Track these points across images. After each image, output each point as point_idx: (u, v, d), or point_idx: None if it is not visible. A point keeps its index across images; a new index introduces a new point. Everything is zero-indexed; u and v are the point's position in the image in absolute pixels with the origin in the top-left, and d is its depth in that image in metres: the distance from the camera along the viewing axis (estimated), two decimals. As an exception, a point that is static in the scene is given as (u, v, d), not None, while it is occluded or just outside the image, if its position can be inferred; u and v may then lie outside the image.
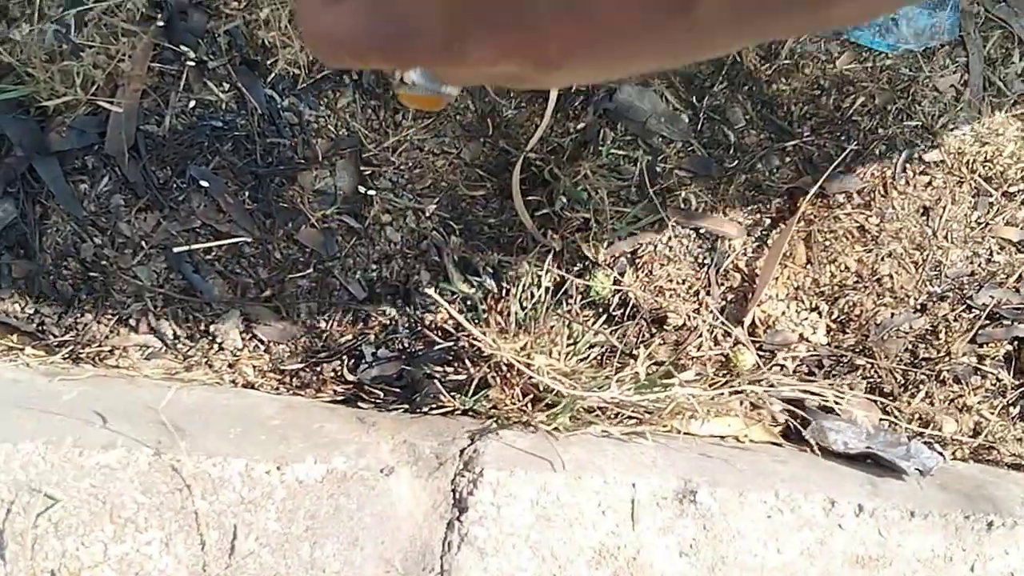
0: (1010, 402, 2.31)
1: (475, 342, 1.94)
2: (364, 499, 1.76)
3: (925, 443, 2.11)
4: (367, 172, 2.08)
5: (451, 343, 2.06)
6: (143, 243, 2.02)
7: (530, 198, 2.10)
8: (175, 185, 2.02)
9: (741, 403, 2.18)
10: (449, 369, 2.06)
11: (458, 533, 1.78)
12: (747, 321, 2.18)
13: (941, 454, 2.09)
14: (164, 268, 2.04)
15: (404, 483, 1.80)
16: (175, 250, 2.02)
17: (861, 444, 2.08)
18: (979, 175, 2.25)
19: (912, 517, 1.95)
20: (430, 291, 2.00)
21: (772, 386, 2.13)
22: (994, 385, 2.32)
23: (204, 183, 2.02)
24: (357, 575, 1.73)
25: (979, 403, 2.30)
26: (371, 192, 2.08)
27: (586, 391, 1.92)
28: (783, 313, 2.21)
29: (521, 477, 1.81)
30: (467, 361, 2.03)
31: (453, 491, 1.81)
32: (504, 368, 1.96)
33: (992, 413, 2.30)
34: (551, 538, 1.80)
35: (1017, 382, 2.30)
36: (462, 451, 1.86)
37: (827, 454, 2.11)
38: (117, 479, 1.66)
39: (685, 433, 2.10)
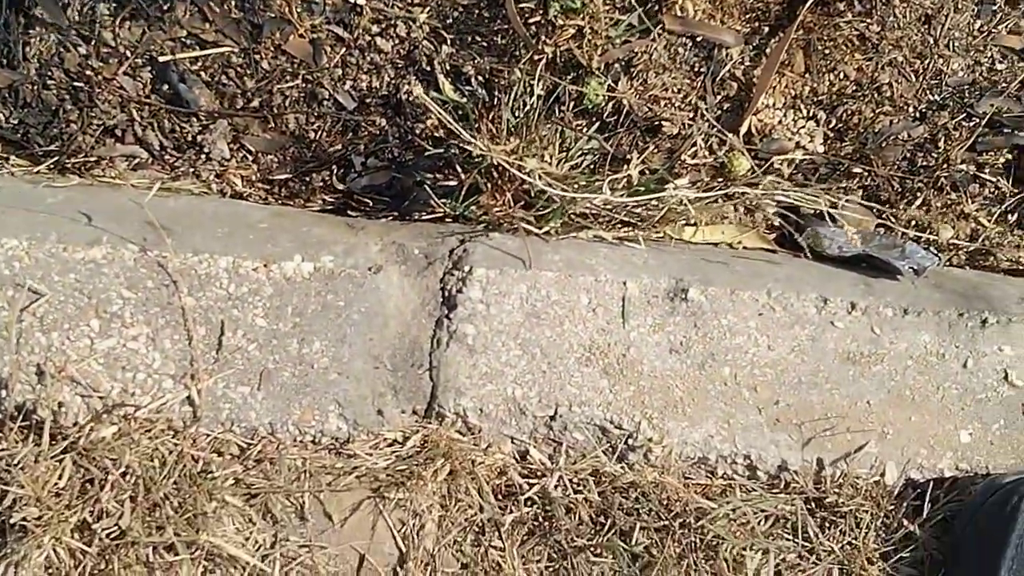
0: (1008, 209, 2.28)
1: (466, 147, 1.90)
2: (352, 297, 1.75)
3: (921, 246, 2.09)
4: (355, -19, 2.03)
5: (441, 150, 2.03)
6: (128, 53, 1.98)
7: (522, 6, 2.05)
8: (159, -6, 1.98)
9: (735, 209, 2.15)
10: (439, 175, 2.04)
11: (447, 330, 1.78)
12: (743, 129, 2.14)
13: (937, 255, 2.07)
14: (150, 78, 2.00)
15: (393, 281, 1.79)
16: (160, 59, 1.98)
17: (856, 248, 2.05)
18: (984, -18, 2.19)
19: (905, 314, 1.94)
20: (419, 92, 1.96)
21: (767, 190, 2.10)
22: (992, 193, 2.29)
23: (188, -9, 1.98)
24: (346, 370, 1.74)
25: (977, 210, 2.27)
26: (360, 2, 2.03)
27: (578, 194, 1.90)
28: (780, 122, 2.17)
29: (511, 275, 1.80)
30: (458, 167, 2.00)
31: (442, 289, 1.80)
32: (495, 173, 1.93)
33: (989, 220, 2.27)
34: (541, 336, 1.80)
35: (1016, 190, 2.27)
36: (451, 251, 1.85)
37: (821, 258, 2.10)
38: (102, 274, 1.66)
39: (678, 239, 2.08)
